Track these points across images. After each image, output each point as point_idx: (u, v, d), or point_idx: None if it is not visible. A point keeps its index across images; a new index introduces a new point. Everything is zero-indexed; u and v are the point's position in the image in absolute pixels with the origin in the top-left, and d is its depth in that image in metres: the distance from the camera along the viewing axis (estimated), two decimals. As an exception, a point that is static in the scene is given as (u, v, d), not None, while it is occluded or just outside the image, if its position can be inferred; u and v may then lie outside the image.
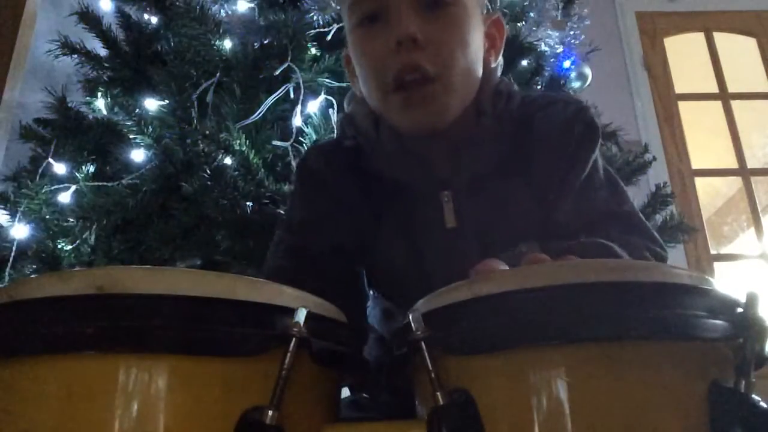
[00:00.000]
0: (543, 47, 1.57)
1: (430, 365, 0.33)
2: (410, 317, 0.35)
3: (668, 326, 0.31)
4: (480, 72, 0.73)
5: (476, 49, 0.71)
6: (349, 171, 0.76)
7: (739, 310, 0.34)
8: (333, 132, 1.27)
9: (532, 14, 1.58)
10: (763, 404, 0.32)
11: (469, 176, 0.71)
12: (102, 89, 1.50)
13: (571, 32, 1.68)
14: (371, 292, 0.82)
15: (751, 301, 0.33)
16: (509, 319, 0.32)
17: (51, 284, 0.33)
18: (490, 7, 1.48)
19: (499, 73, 0.78)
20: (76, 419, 0.32)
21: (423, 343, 0.34)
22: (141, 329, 0.32)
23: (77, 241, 1.33)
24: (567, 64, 1.66)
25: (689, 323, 0.32)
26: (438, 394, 0.33)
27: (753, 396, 0.32)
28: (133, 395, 0.32)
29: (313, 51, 1.41)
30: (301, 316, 0.34)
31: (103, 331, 0.32)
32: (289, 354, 0.33)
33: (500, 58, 0.78)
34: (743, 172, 2.90)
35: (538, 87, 1.53)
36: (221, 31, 1.38)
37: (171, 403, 0.32)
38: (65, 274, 0.34)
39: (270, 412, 0.32)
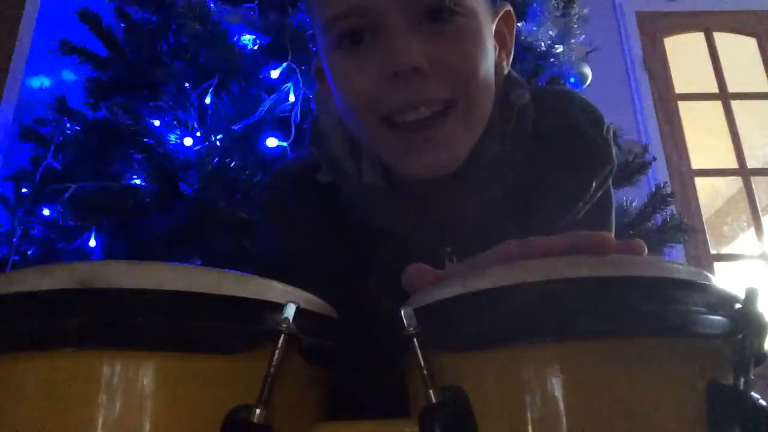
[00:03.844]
0: (543, 47, 1.57)
1: (422, 362, 0.32)
2: (402, 313, 0.33)
3: (665, 322, 0.31)
4: (494, 86, 0.57)
5: (491, 57, 0.57)
6: (325, 211, 0.62)
7: (738, 306, 0.33)
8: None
9: (532, 14, 1.58)
10: (762, 402, 0.31)
11: (472, 219, 0.59)
12: (102, 89, 1.50)
13: (571, 32, 1.68)
14: None
15: (751, 297, 0.33)
16: (503, 314, 0.32)
17: (33, 278, 0.32)
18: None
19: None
20: (59, 417, 0.31)
21: (415, 340, 0.33)
22: (124, 325, 0.31)
23: (77, 241, 1.33)
24: (567, 64, 1.66)
25: (687, 319, 0.31)
26: (431, 391, 0.32)
27: (752, 394, 0.31)
28: (116, 393, 0.31)
29: (313, 51, 1.41)
30: (290, 311, 0.33)
31: (86, 326, 0.31)
32: (277, 351, 0.32)
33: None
34: (743, 172, 2.90)
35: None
36: (221, 31, 1.38)
37: (156, 401, 0.31)
38: (47, 268, 0.33)
39: (258, 411, 0.31)
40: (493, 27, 0.59)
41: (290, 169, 0.74)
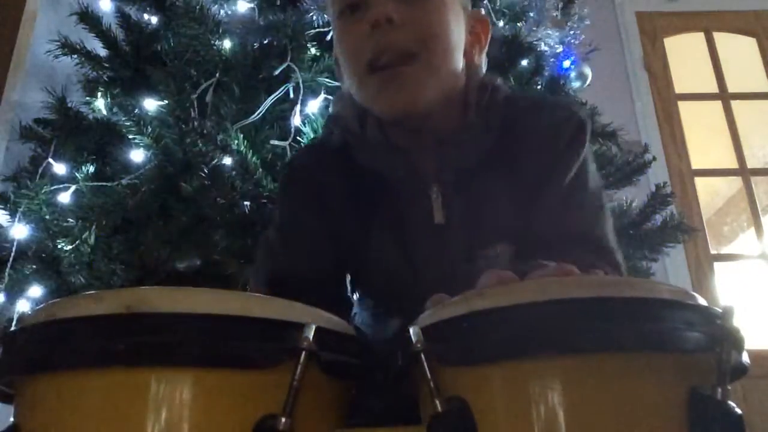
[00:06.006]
0: (543, 47, 1.57)
1: (429, 375, 0.36)
2: (410, 331, 0.37)
3: (649, 339, 0.34)
4: (460, 63, 0.72)
5: (457, 36, 0.71)
6: (337, 168, 0.76)
7: (718, 322, 0.36)
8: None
9: (532, 14, 1.58)
10: (737, 410, 0.34)
11: (455, 171, 0.71)
12: (102, 89, 1.50)
13: (571, 32, 1.68)
14: (357, 297, 0.81)
15: (727, 314, 0.35)
16: (502, 332, 0.35)
17: (85, 304, 0.37)
18: (488, 5, 1.48)
19: (483, 70, 0.79)
20: (110, 427, 0.35)
21: (422, 355, 0.36)
22: (166, 345, 0.35)
23: (77, 241, 1.33)
24: (567, 64, 1.66)
25: (669, 336, 0.34)
26: (436, 402, 0.35)
27: (729, 402, 0.34)
28: (159, 405, 0.35)
29: (313, 51, 1.41)
30: (310, 330, 0.37)
31: (132, 347, 0.35)
32: (299, 366, 0.36)
33: (484, 57, 0.79)
34: (743, 172, 2.90)
35: (538, 87, 1.53)
36: (221, 31, 1.38)
37: (193, 411, 0.35)
38: (97, 295, 0.37)
39: (283, 420, 0.35)
40: (466, 18, 0.74)
41: (309, 145, 0.97)
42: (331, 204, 0.76)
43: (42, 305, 0.40)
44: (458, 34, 0.71)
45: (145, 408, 0.35)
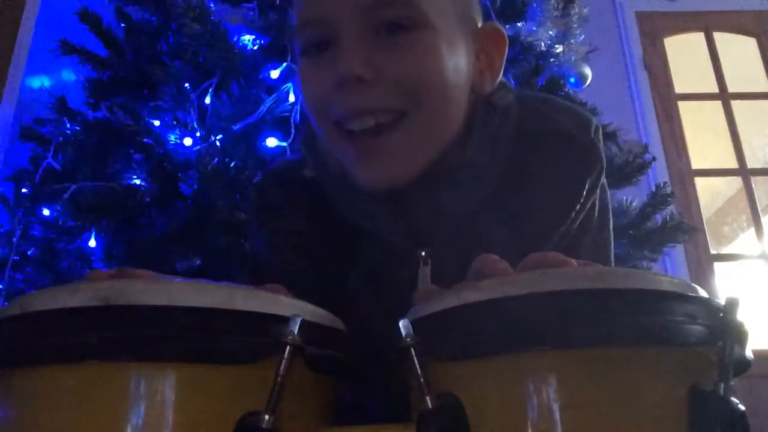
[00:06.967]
0: (543, 47, 1.57)
1: (419, 371, 0.34)
2: (400, 324, 0.35)
3: (648, 332, 0.32)
4: (463, 104, 0.58)
5: (458, 76, 0.56)
6: (311, 206, 0.65)
7: (721, 315, 0.34)
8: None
9: (531, 14, 1.58)
10: (740, 406, 0.32)
11: (451, 219, 0.60)
12: (102, 89, 1.50)
13: (571, 32, 1.69)
14: None
15: (731, 307, 0.34)
16: (495, 325, 0.33)
17: (59, 296, 0.35)
18: (488, 5, 1.48)
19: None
20: (84, 426, 0.33)
21: (412, 350, 0.35)
22: (143, 339, 0.33)
23: (77, 241, 1.33)
24: (567, 63, 1.66)
25: (669, 329, 0.33)
26: (427, 398, 0.34)
27: (731, 399, 0.33)
28: (136, 402, 0.33)
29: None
30: (295, 324, 0.35)
31: (108, 341, 0.33)
32: (283, 361, 0.34)
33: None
34: (743, 172, 2.90)
35: (538, 87, 1.53)
36: (221, 31, 1.38)
37: (172, 408, 0.34)
38: (72, 287, 0.36)
39: (266, 417, 0.33)
40: (471, 45, 0.59)
41: (280, 167, 0.78)
42: (306, 244, 0.66)
43: (18, 297, 0.38)
44: (459, 72, 0.56)
45: (122, 405, 0.33)
